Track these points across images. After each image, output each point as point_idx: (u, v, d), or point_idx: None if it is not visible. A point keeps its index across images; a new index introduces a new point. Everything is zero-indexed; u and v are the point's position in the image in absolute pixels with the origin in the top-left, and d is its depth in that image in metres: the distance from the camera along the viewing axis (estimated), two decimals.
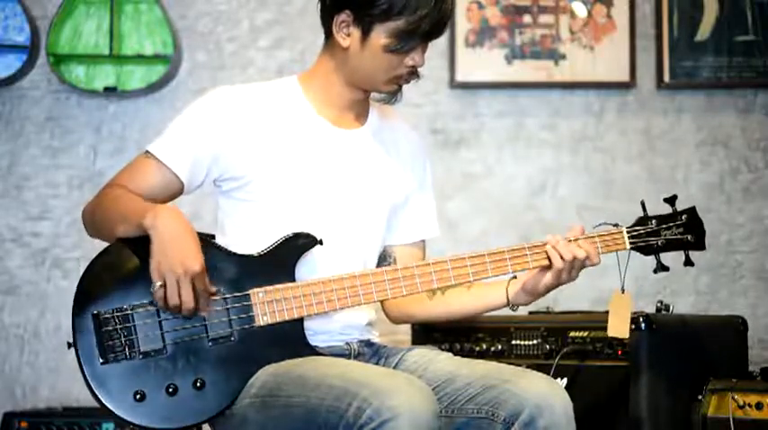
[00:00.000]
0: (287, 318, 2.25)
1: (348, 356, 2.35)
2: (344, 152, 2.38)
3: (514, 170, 3.99)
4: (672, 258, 2.47)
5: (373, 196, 2.41)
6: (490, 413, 2.19)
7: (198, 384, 2.19)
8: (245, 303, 2.23)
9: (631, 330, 2.63)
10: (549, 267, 2.37)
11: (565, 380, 2.84)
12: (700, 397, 2.74)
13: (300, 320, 2.26)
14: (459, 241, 3.84)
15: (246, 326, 2.23)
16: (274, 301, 2.24)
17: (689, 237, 2.46)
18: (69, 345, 2.19)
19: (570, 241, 2.37)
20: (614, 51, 3.94)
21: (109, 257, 2.24)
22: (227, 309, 2.22)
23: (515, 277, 2.44)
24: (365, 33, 2.29)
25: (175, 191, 2.32)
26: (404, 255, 2.49)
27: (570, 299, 3.50)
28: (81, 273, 2.22)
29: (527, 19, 3.97)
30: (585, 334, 2.87)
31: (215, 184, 2.38)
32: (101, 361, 2.17)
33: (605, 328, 2.53)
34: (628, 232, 2.43)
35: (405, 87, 2.39)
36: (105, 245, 2.26)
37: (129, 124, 3.98)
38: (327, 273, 2.29)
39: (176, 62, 3.93)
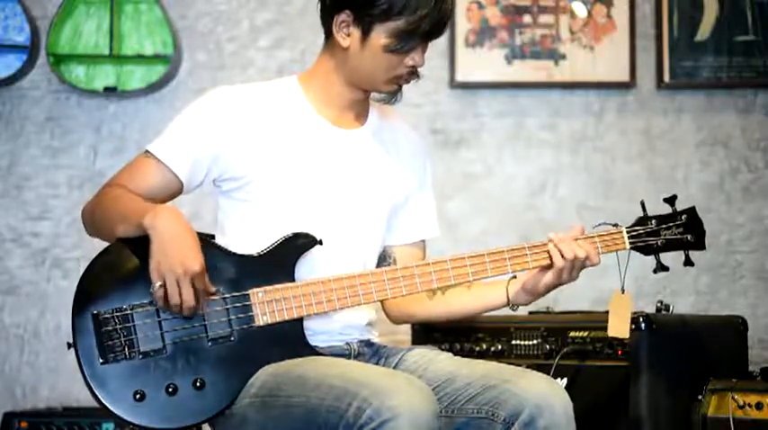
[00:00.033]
0: (286, 318, 2.25)
1: (348, 356, 2.35)
2: (344, 152, 2.38)
3: (514, 170, 3.99)
4: (672, 258, 2.47)
5: (373, 196, 2.41)
6: (490, 413, 2.19)
7: (198, 384, 2.19)
8: (244, 303, 2.23)
9: (631, 330, 2.63)
10: (549, 267, 2.37)
11: (565, 380, 2.84)
12: (700, 397, 2.74)
13: (300, 320, 2.26)
14: (459, 241, 3.84)
15: (246, 326, 2.23)
16: (274, 301, 2.24)
17: (689, 237, 2.46)
18: (69, 346, 2.19)
19: (577, 238, 2.37)
20: (614, 51, 3.94)
21: (109, 257, 2.24)
22: (227, 308, 2.22)
23: (515, 277, 2.44)
24: (365, 33, 2.29)
25: (175, 190, 2.32)
26: (404, 255, 2.49)
27: (570, 299, 3.50)
28: (81, 273, 2.22)
29: (527, 19, 3.97)
30: (585, 334, 2.87)
31: (214, 184, 2.38)
32: (100, 361, 2.17)
33: (605, 328, 2.53)
34: (627, 232, 2.43)
35: (405, 87, 2.39)
36: (105, 245, 2.26)
37: (129, 124, 3.98)
38: (327, 273, 2.29)
39: (176, 62, 3.93)
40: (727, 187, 3.95)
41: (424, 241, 2.55)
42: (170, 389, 2.18)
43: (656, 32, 3.95)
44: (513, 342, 3.00)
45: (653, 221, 2.45)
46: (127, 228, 2.20)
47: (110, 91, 3.88)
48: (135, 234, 2.19)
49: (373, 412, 2.00)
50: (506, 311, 2.50)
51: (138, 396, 2.17)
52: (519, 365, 2.37)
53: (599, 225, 2.45)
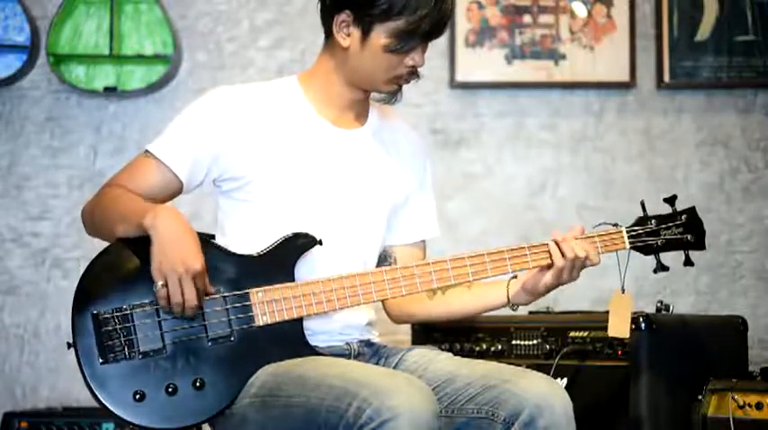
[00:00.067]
0: (286, 318, 2.25)
1: (348, 356, 2.35)
2: (344, 152, 2.38)
3: (514, 170, 3.99)
4: (672, 258, 2.47)
5: (373, 196, 2.41)
6: (490, 413, 2.19)
7: (197, 384, 2.19)
8: (244, 303, 2.23)
9: (631, 330, 2.63)
10: (549, 266, 2.37)
11: (565, 380, 2.84)
12: (700, 397, 2.74)
13: (300, 320, 2.26)
14: (459, 241, 3.84)
15: (246, 326, 2.23)
16: (274, 301, 2.24)
17: (689, 237, 2.46)
18: (69, 346, 2.19)
19: (577, 238, 2.37)
20: (614, 51, 3.94)
21: (109, 257, 2.24)
22: (227, 308, 2.22)
23: (516, 277, 2.44)
24: (365, 33, 2.29)
25: (175, 190, 2.32)
26: (404, 255, 2.49)
27: (570, 299, 3.50)
28: (81, 273, 2.22)
29: (527, 19, 3.97)
30: (585, 334, 2.86)
31: (214, 184, 2.38)
32: (100, 361, 2.17)
33: (605, 328, 2.53)
34: (627, 232, 2.43)
35: (405, 87, 2.39)
36: (105, 244, 2.26)
37: (129, 124, 3.98)
38: (327, 273, 2.29)
39: (176, 62, 3.93)
40: (727, 187, 3.95)
41: (424, 241, 2.55)
42: (170, 389, 2.18)
43: (656, 32, 3.95)
44: (513, 342, 3.00)
45: (653, 221, 2.45)
46: (127, 228, 2.20)
47: (110, 91, 3.88)
48: (135, 234, 2.19)
49: (373, 412, 2.00)
50: (506, 311, 2.50)
51: (137, 396, 2.16)
52: (519, 365, 2.37)
53: (599, 225, 2.45)
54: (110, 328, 2.18)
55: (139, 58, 3.89)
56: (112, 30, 3.86)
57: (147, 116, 3.97)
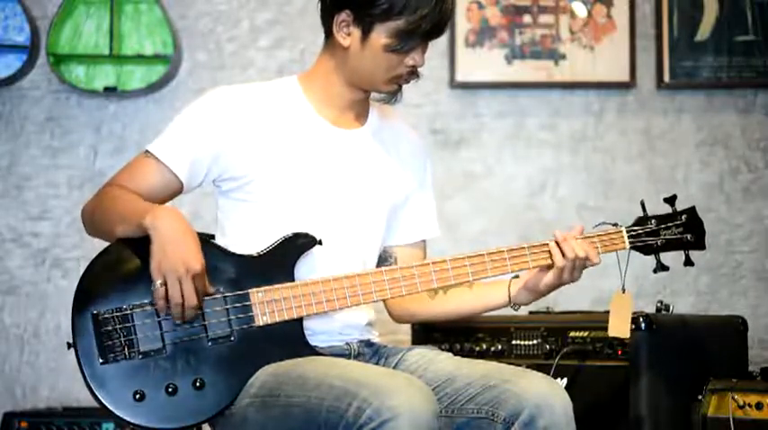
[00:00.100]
0: (286, 318, 2.25)
1: (348, 356, 2.35)
2: (344, 152, 2.38)
3: (514, 170, 3.99)
4: (672, 258, 2.47)
5: (373, 196, 2.41)
6: (490, 413, 2.19)
7: (197, 384, 2.19)
8: (244, 303, 2.23)
9: (631, 330, 2.63)
10: (550, 266, 2.37)
11: (565, 380, 2.84)
12: (700, 397, 2.74)
13: (300, 320, 2.26)
14: (459, 241, 3.84)
15: (246, 326, 2.23)
16: (273, 301, 2.24)
17: (689, 237, 2.46)
18: (69, 346, 2.19)
19: (577, 238, 2.37)
20: (614, 51, 3.94)
21: (109, 257, 2.24)
22: (227, 308, 2.22)
23: (517, 276, 2.44)
24: (365, 33, 2.29)
25: (175, 190, 2.32)
26: (405, 255, 2.49)
27: (570, 299, 3.50)
28: (81, 273, 2.22)
29: (527, 19, 3.97)
30: (585, 334, 2.87)
31: (214, 184, 2.38)
32: (100, 361, 2.17)
33: (605, 328, 2.53)
34: (627, 232, 2.43)
35: (405, 87, 2.39)
36: (105, 244, 2.26)
37: (129, 124, 3.98)
38: (327, 273, 2.29)
39: (176, 62, 3.93)
40: (727, 187, 3.95)
41: (424, 241, 2.54)
42: (170, 389, 2.18)
43: (656, 32, 3.95)
44: (513, 342, 3.00)
45: (653, 221, 2.45)
46: (126, 229, 2.20)
47: (110, 91, 3.88)
48: (135, 234, 2.19)
49: (373, 412, 2.00)
50: (506, 311, 2.50)
51: (137, 396, 2.16)
52: (519, 365, 2.37)
53: (599, 225, 2.45)
54: (110, 328, 2.18)
55: (139, 58, 3.89)
56: (112, 30, 3.86)
57: (147, 116, 3.97)
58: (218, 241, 2.33)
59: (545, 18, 3.97)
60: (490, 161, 3.99)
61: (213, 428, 2.29)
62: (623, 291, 2.49)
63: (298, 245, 2.28)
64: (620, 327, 2.51)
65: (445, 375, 2.27)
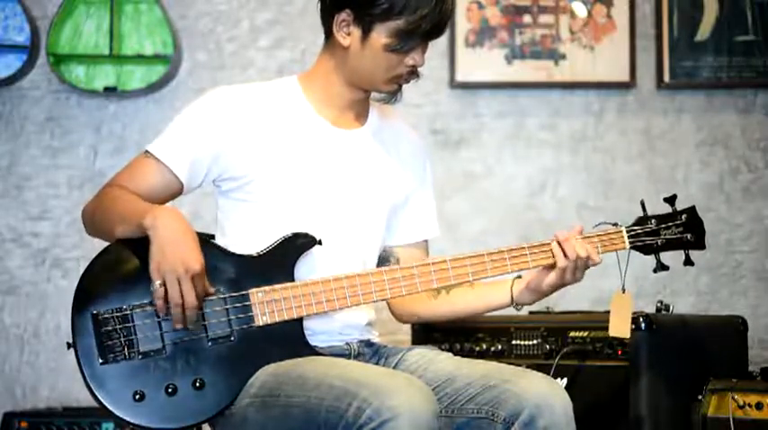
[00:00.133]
0: (286, 318, 2.25)
1: (348, 356, 2.35)
2: (344, 152, 2.38)
3: (514, 170, 3.99)
4: (672, 258, 2.47)
5: (373, 196, 2.41)
6: (490, 413, 2.19)
7: (197, 384, 2.19)
8: (244, 303, 2.23)
9: (631, 330, 2.63)
10: (552, 266, 2.37)
11: (565, 380, 2.84)
12: (700, 397, 2.74)
13: (300, 320, 2.26)
14: (459, 241, 3.84)
15: (246, 326, 2.23)
16: (273, 301, 2.24)
17: (689, 237, 2.46)
18: (69, 346, 2.19)
19: (577, 238, 2.37)
20: (614, 51, 3.94)
21: (109, 257, 2.23)
22: (227, 308, 2.22)
23: (520, 276, 2.44)
24: (365, 33, 2.29)
25: (175, 191, 2.32)
26: (406, 255, 2.49)
27: (570, 299, 3.49)
28: (81, 273, 2.22)
29: (527, 19, 3.97)
30: (585, 334, 2.87)
31: (214, 184, 2.38)
32: (100, 361, 2.17)
33: (605, 328, 2.53)
34: (627, 232, 2.43)
35: (405, 87, 2.39)
36: (105, 245, 2.26)
37: (129, 124, 3.98)
38: (327, 273, 2.29)
39: (176, 62, 3.93)
40: (727, 187, 3.95)
41: (426, 241, 2.54)
42: (170, 390, 2.17)
43: (656, 32, 3.95)
44: (513, 342, 3.00)
45: (653, 221, 2.45)
46: (126, 229, 2.20)
47: (110, 91, 3.88)
48: (135, 234, 2.18)
49: (373, 412, 2.00)
50: (507, 311, 2.50)
51: (137, 396, 2.16)
52: (519, 365, 2.36)
53: (599, 224, 2.45)
54: (109, 328, 2.18)
55: (139, 58, 3.89)
56: (112, 30, 3.86)
57: (147, 116, 3.97)
58: (218, 241, 2.33)
59: (545, 18, 3.97)
60: (490, 161, 3.99)
61: (213, 428, 2.29)
62: (623, 290, 2.49)
63: (297, 245, 2.28)
64: (620, 327, 2.51)
65: (445, 375, 2.27)
